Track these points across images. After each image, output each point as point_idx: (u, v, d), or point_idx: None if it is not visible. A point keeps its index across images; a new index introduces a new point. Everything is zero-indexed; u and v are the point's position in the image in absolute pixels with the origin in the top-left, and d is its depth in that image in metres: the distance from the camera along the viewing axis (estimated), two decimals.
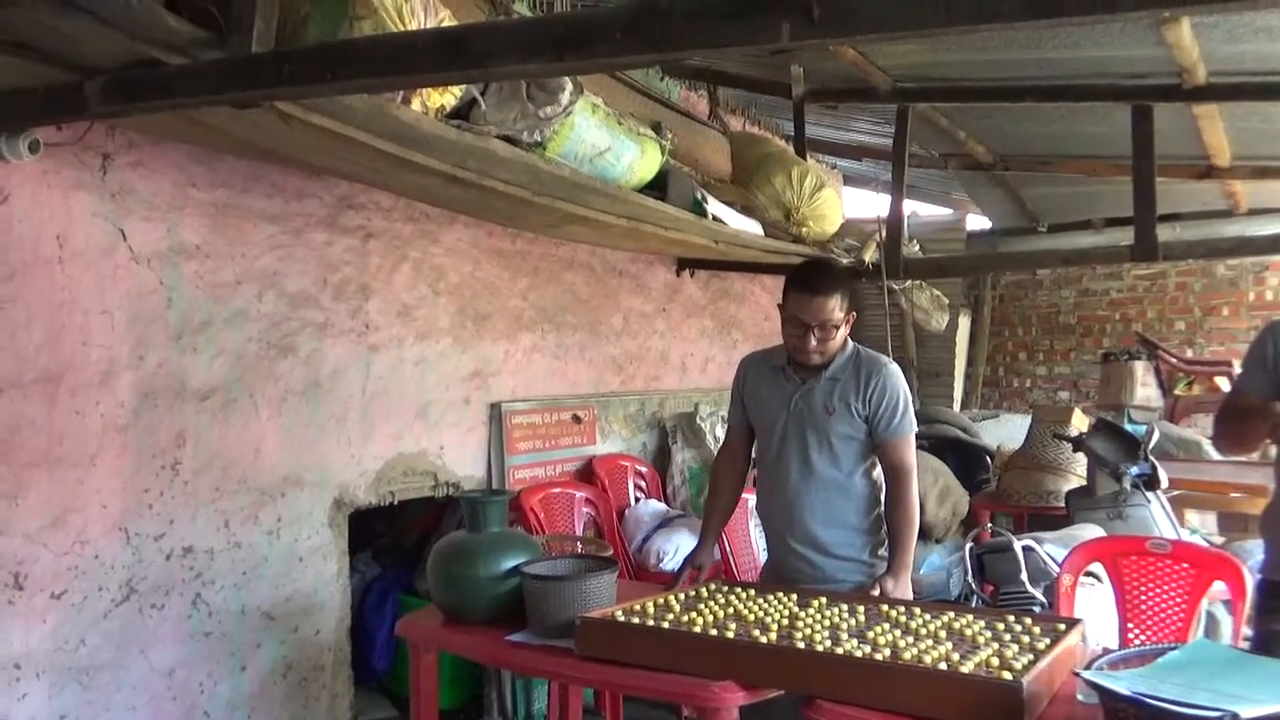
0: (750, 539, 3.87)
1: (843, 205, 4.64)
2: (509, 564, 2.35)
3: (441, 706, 2.61)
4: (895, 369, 2.52)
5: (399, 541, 4.19)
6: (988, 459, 5.41)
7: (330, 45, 1.85)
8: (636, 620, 2.10)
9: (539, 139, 2.58)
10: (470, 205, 3.34)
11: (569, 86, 2.53)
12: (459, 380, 3.71)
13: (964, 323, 7.12)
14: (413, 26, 2.03)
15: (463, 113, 2.37)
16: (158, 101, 1.90)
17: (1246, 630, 2.29)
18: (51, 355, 2.45)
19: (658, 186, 3.26)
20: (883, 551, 2.49)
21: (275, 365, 3.00)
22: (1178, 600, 2.56)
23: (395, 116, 2.11)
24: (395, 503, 3.45)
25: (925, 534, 4.51)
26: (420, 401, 3.53)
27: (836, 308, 2.40)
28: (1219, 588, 2.55)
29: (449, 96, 2.31)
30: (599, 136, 2.80)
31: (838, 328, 2.42)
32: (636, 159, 3.01)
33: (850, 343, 2.54)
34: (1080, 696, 1.70)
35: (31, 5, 1.60)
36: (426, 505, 3.77)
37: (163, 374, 2.69)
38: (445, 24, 2.14)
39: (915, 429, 2.50)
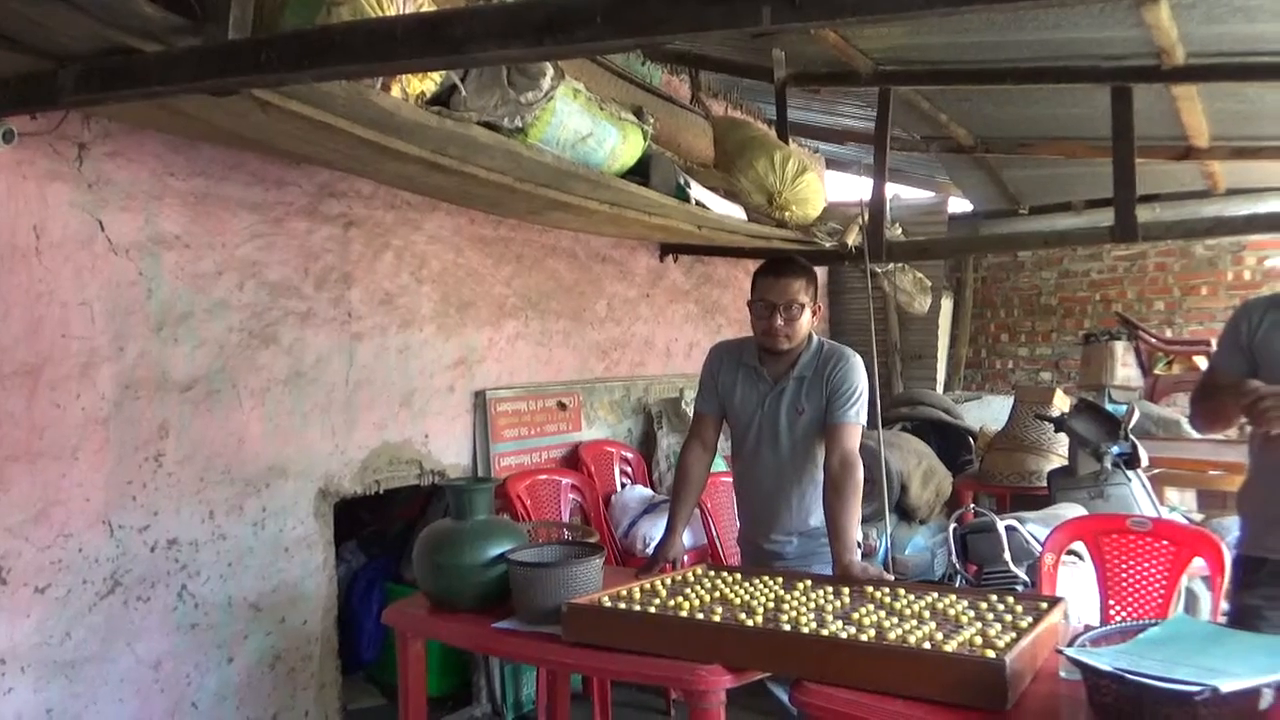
0: (736, 521, 3.88)
1: (825, 189, 4.64)
2: (495, 551, 2.36)
3: (430, 694, 2.62)
4: (857, 360, 2.60)
5: (385, 530, 4.19)
6: (970, 440, 5.46)
7: (308, 31, 1.83)
8: (623, 605, 2.11)
9: (520, 125, 2.57)
10: (452, 192, 3.32)
11: (550, 72, 2.51)
12: (443, 368, 3.71)
13: (946, 305, 7.15)
14: (391, 12, 2.01)
15: (443, 99, 2.35)
16: (133, 90, 1.88)
17: (1225, 605, 2.33)
18: (30, 347, 2.42)
19: (640, 172, 3.25)
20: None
21: (258, 355, 2.98)
22: (1158, 577, 2.59)
23: (375, 103, 2.09)
24: (381, 491, 3.44)
25: (909, 515, 4.55)
26: (404, 390, 3.52)
27: (801, 290, 2.54)
28: (1198, 564, 2.59)
29: (429, 83, 2.30)
30: (581, 122, 2.79)
31: (803, 308, 2.54)
32: (619, 144, 3.00)
33: (815, 337, 2.64)
34: (1063, 673, 1.72)
35: None
36: (412, 494, 3.77)
37: (144, 365, 2.67)
38: (424, 9, 2.12)
39: (863, 423, 2.55)
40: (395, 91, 2.20)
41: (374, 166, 2.86)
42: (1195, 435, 4.43)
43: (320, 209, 3.20)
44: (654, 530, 3.85)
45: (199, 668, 2.82)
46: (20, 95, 2.03)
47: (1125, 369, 5.80)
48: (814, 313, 2.60)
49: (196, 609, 2.81)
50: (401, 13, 2.04)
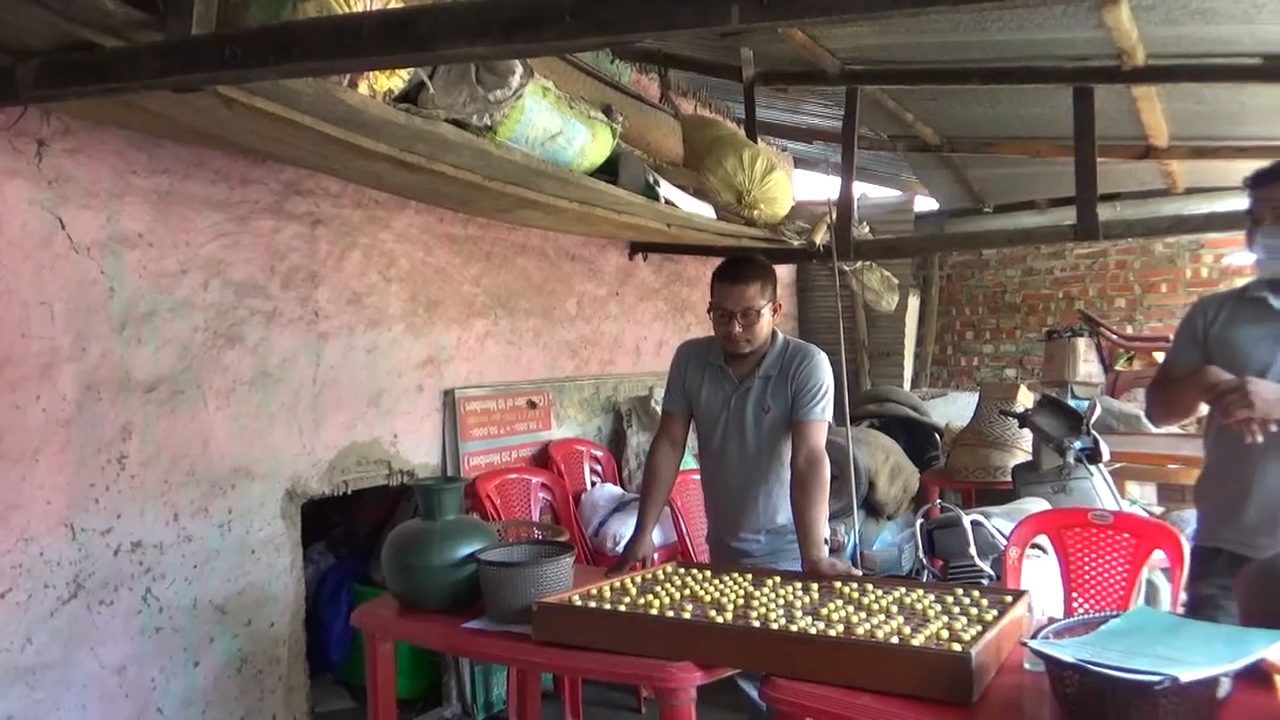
0: (705, 519, 3.90)
1: (793, 188, 4.67)
2: (465, 551, 2.35)
3: (399, 696, 2.60)
4: (822, 357, 2.60)
5: (353, 531, 4.16)
6: (937, 436, 5.51)
7: (273, 27, 1.82)
8: (594, 604, 2.11)
9: (489, 123, 2.56)
10: (420, 190, 3.30)
11: (519, 69, 2.50)
12: (412, 367, 3.68)
13: (913, 303, 7.22)
14: (358, 8, 1.99)
15: (411, 96, 2.34)
16: (94, 85, 1.85)
17: (1184, 596, 2.37)
18: None
19: (609, 170, 3.26)
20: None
21: (223, 355, 2.95)
22: (1119, 569, 2.64)
23: (341, 100, 2.08)
24: (349, 492, 3.42)
25: (877, 511, 4.59)
26: (373, 389, 3.49)
27: (757, 294, 2.53)
28: (1158, 556, 2.64)
29: (396, 80, 2.28)
30: (550, 120, 2.79)
31: (760, 313, 2.53)
32: (588, 142, 3.00)
33: (780, 336, 2.65)
34: (1027, 665, 1.75)
35: None
36: (381, 494, 3.74)
37: (106, 366, 2.63)
38: (392, 5, 2.11)
39: (829, 419, 2.56)
40: (362, 88, 2.18)
41: (341, 164, 2.83)
42: (1155, 430, 4.51)
43: (286, 207, 3.16)
44: (624, 529, 3.86)
45: (164, 672, 2.78)
46: None
47: (1087, 365, 5.89)
48: (775, 310, 2.60)
49: (161, 613, 2.77)
50: (369, 9, 2.02)
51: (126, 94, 1.99)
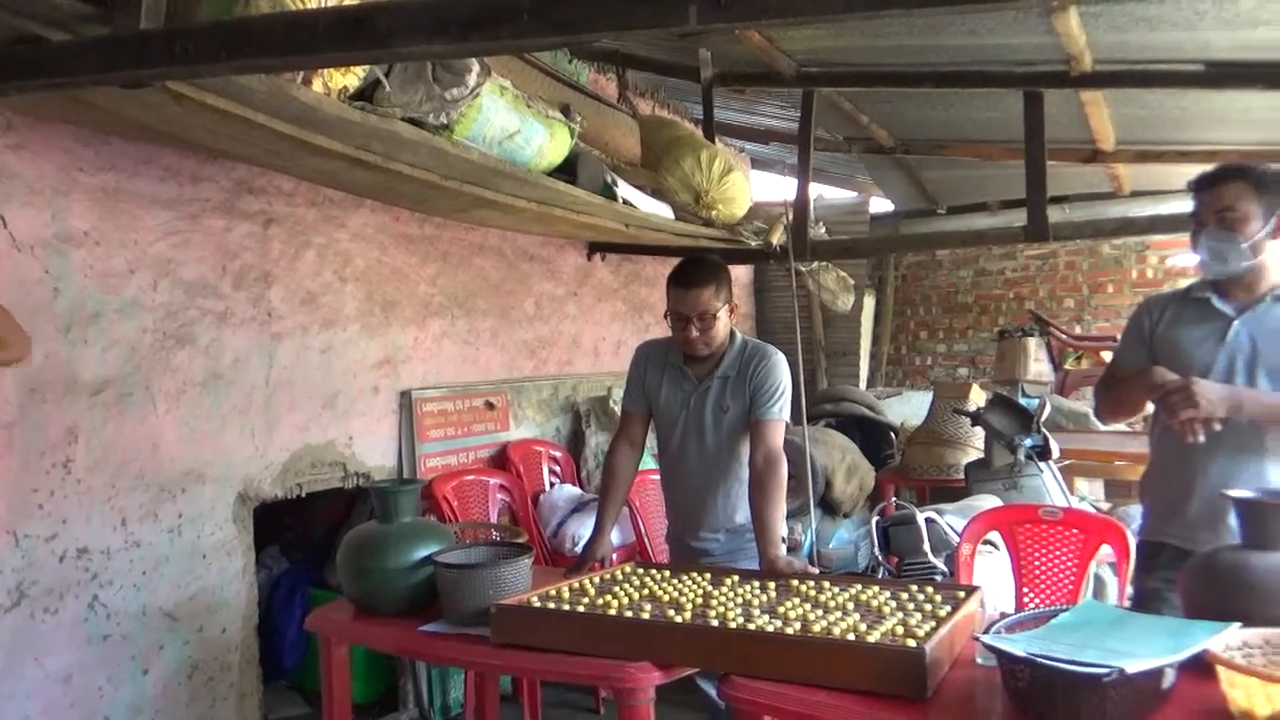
0: (664, 518, 3.91)
1: (751, 188, 4.70)
2: (422, 554, 2.33)
3: (355, 701, 2.57)
4: (779, 358, 2.62)
5: (307, 534, 4.10)
6: (892, 435, 5.58)
7: (225, 22, 1.79)
8: (552, 605, 2.10)
9: (446, 121, 2.54)
10: (376, 189, 3.27)
11: (476, 68, 2.49)
12: (367, 368, 3.64)
13: (869, 303, 7.30)
14: (312, 4, 1.97)
15: (366, 94, 2.31)
16: (38, 80, 1.81)
17: (1130, 590, 2.43)
18: None
19: (567, 170, 3.25)
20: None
21: (173, 356, 2.89)
22: (1068, 564, 2.69)
23: (295, 98, 2.05)
24: (303, 495, 3.37)
25: (833, 509, 4.63)
26: (327, 391, 3.45)
27: (711, 298, 2.53)
28: (1106, 551, 2.70)
29: (351, 77, 2.26)
30: (507, 119, 2.77)
31: (716, 316, 2.54)
32: (546, 142, 2.99)
33: (739, 336, 2.66)
34: (980, 659, 1.77)
35: None
36: (336, 497, 3.70)
37: (50, 368, 2.56)
38: (347, 1, 2.08)
39: (786, 419, 2.57)
40: (317, 86, 2.15)
41: (295, 162, 2.79)
42: (1103, 428, 4.60)
43: (238, 206, 3.11)
44: (583, 529, 3.85)
45: (112, 681, 2.72)
46: None
47: (1037, 364, 6.01)
48: (732, 311, 2.60)
49: (109, 620, 2.71)
50: (324, 5, 1.99)
51: (72, 89, 1.94)
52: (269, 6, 1.89)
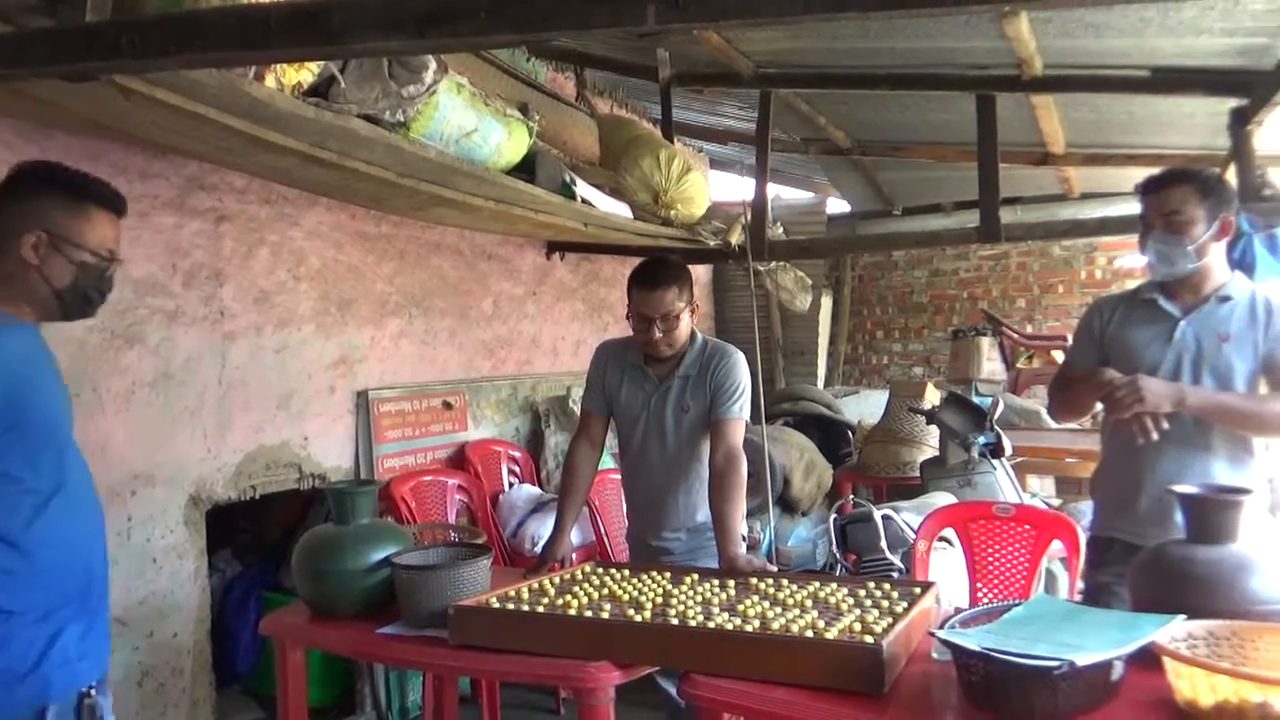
0: (624, 518, 3.91)
1: (709, 188, 4.71)
2: (379, 555, 2.30)
3: (311, 704, 2.54)
4: (739, 357, 2.63)
5: (262, 537, 4.04)
6: (849, 433, 5.63)
7: (174, 15, 1.75)
8: (511, 606, 2.09)
9: (402, 119, 2.52)
10: (331, 187, 3.22)
11: (433, 65, 2.47)
12: (323, 368, 3.59)
13: (826, 303, 7.36)
14: None
15: (321, 90, 2.29)
16: None
17: (1081, 584, 2.48)
18: None
19: (526, 169, 3.23)
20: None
21: (121, 356, 2.82)
22: (1021, 560, 2.74)
23: (247, 93, 2.01)
24: (257, 497, 3.32)
25: (792, 507, 4.66)
26: (282, 391, 3.40)
27: (674, 299, 2.53)
28: (1057, 546, 2.75)
29: (305, 73, 2.23)
30: (465, 117, 2.75)
31: (679, 318, 2.54)
32: (504, 140, 2.98)
33: (700, 336, 2.67)
34: (935, 654, 1.80)
35: None
36: (291, 498, 3.64)
37: None
38: None
39: (746, 418, 2.59)
40: (270, 81, 2.12)
41: (247, 159, 2.75)
42: (1054, 425, 4.69)
43: (189, 203, 3.05)
44: (542, 529, 3.84)
45: None
46: None
47: (990, 363, 6.10)
48: (693, 311, 2.61)
49: None
50: None
51: (14, 81, 1.89)
52: (220, 0, 1.86)
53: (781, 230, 5.25)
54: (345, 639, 2.31)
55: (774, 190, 6.37)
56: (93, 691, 1.70)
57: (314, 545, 2.37)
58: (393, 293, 3.97)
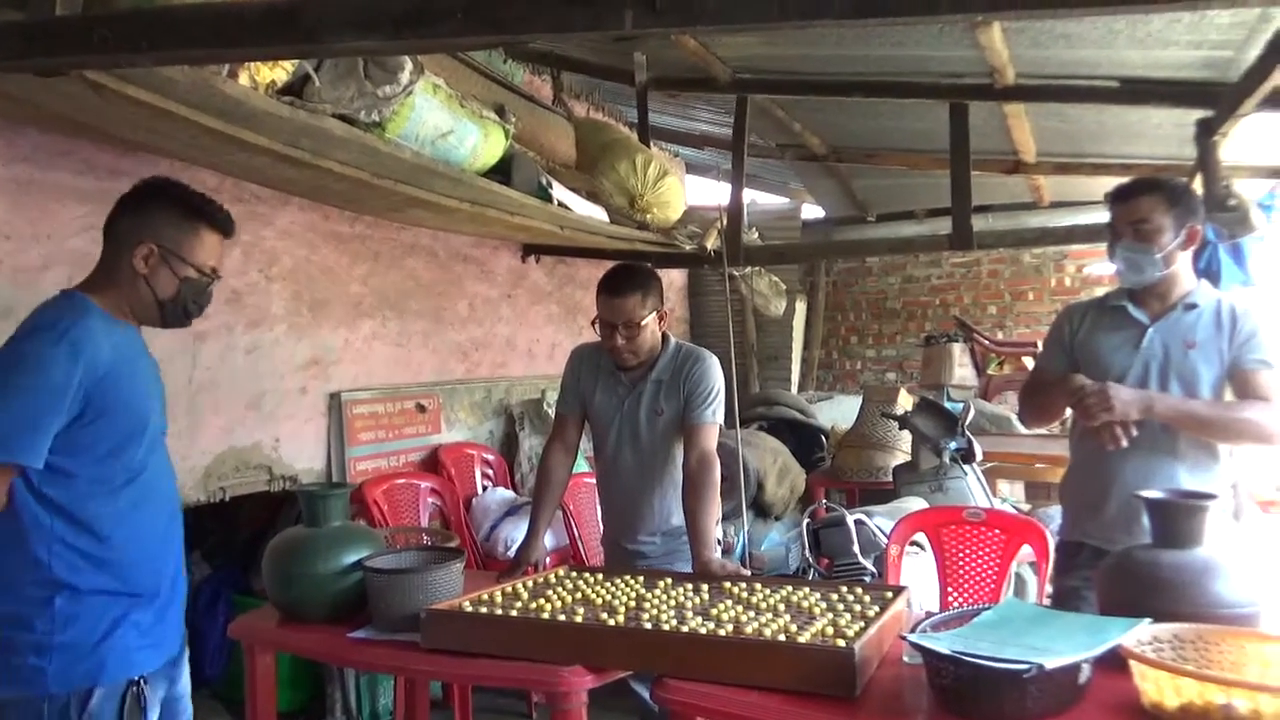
0: (598, 522, 3.90)
1: (685, 193, 4.72)
2: (350, 559, 2.28)
3: (281, 709, 2.51)
4: (713, 361, 2.63)
5: (231, 539, 3.99)
6: (823, 438, 5.66)
7: (146, 11, 1.73)
8: (484, 610, 2.08)
9: (377, 119, 2.50)
10: (305, 187, 3.20)
11: (409, 65, 2.46)
12: (295, 369, 3.56)
13: (800, 308, 7.39)
14: None
15: (296, 89, 2.27)
16: None
17: (1049, 588, 2.51)
18: None
19: (502, 171, 3.22)
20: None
21: None
22: (991, 564, 2.77)
23: (220, 90, 2.00)
24: (226, 499, 3.28)
25: (765, 511, 4.68)
26: (253, 392, 3.36)
27: (637, 306, 2.52)
28: (1026, 551, 2.78)
29: (280, 71, 2.21)
30: (441, 118, 2.74)
31: (641, 325, 2.53)
32: (480, 142, 2.97)
33: (673, 340, 2.66)
34: (906, 658, 1.81)
35: None
36: (262, 500, 3.60)
37: None
38: None
39: (720, 422, 2.58)
40: (244, 79, 2.10)
41: (220, 157, 2.72)
42: (1024, 431, 4.74)
43: None
44: (516, 533, 3.82)
45: None
46: None
47: (962, 369, 6.16)
48: (661, 318, 2.59)
49: None
50: None
51: None
52: None
53: (757, 235, 5.27)
54: (315, 643, 2.29)
55: (749, 195, 6.39)
56: (143, 682, 1.77)
57: (284, 548, 2.35)
58: (366, 294, 3.94)
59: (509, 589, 2.25)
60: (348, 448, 3.74)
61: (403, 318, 4.16)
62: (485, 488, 4.36)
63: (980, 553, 2.79)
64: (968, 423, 3.98)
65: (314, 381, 3.65)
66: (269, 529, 3.82)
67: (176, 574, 1.90)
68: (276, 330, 3.47)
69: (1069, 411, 2.30)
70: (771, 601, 2.07)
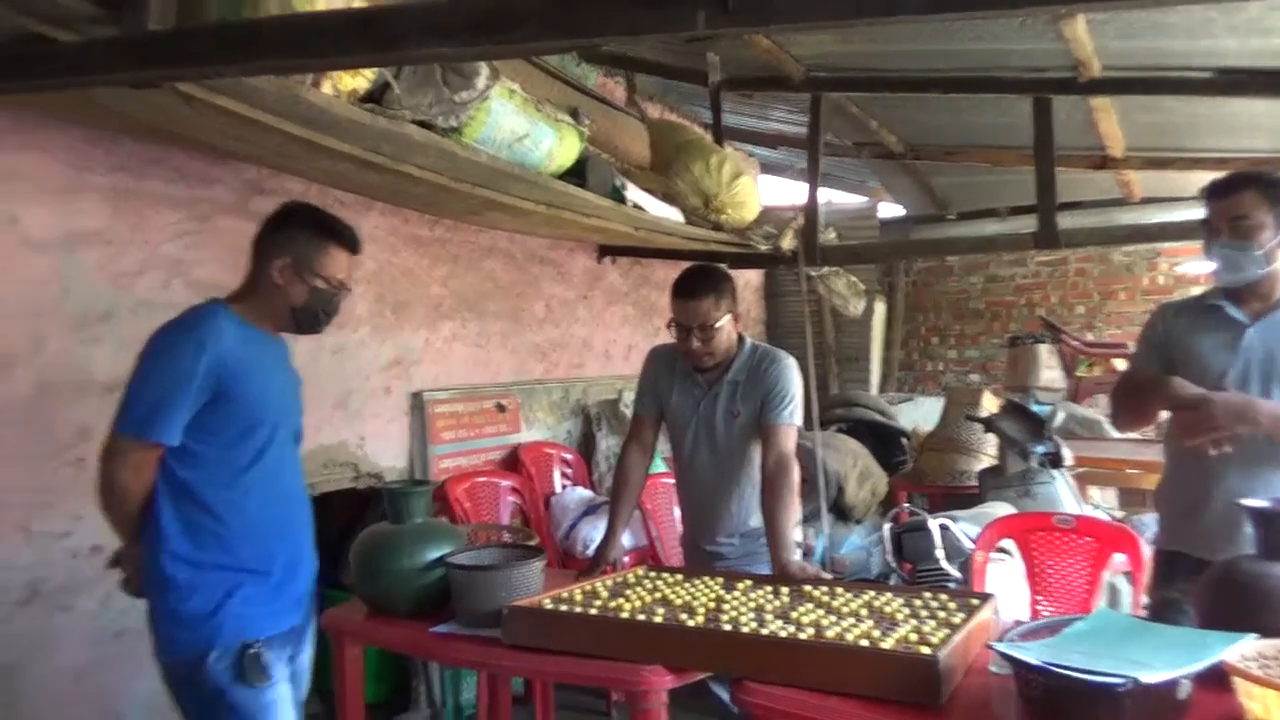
0: (676, 522, 3.90)
1: (760, 193, 4.69)
2: (434, 555, 2.32)
3: (368, 700, 2.57)
4: (790, 362, 2.60)
5: (321, 534, 4.09)
6: (904, 441, 5.56)
7: (234, 24, 1.79)
8: (564, 608, 2.10)
9: (455, 124, 2.54)
10: (386, 191, 3.27)
11: (485, 71, 2.49)
12: (379, 369, 3.64)
13: (880, 308, 7.28)
14: (322, 5, 1.97)
15: (376, 96, 2.32)
16: (46, 80, 1.82)
17: (1145, 599, 2.41)
18: None
19: (577, 173, 3.24)
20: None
21: None
22: (1082, 572, 2.68)
23: (305, 99, 2.05)
24: (315, 495, 3.36)
25: (845, 514, 4.62)
26: (339, 391, 3.45)
27: (711, 308, 2.51)
28: (1119, 559, 2.68)
29: (361, 79, 2.26)
30: (517, 122, 2.77)
31: (716, 327, 2.51)
32: (555, 145, 2.99)
33: (749, 341, 2.64)
34: (993, 668, 1.76)
35: None
36: (349, 497, 3.70)
37: (63, 366, 2.57)
38: (356, 4, 2.09)
39: (798, 423, 2.56)
40: (326, 88, 2.16)
41: (305, 164, 2.80)
42: (1116, 435, 4.58)
43: (249, 207, 3.11)
44: (594, 532, 3.84)
45: (125, 677, 2.71)
46: None
47: (1049, 371, 5.98)
48: (735, 319, 2.58)
49: (122, 616, 2.70)
50: (333, 7, 2.00)
51: (80, 89, 1.95)
52: (278, 8, 1.90)
53: (834, 235, 5.20)
54: (400, 636, 2.34)
55: (826, 194, 6.32)
56: (258, 644, 1.93)
57: (370, 543, 2.40)
58: (446, 296, 4.01)
59: (588, 587, 2.26)
60: (430, 446, 3.81)
61: (481, 319, 4.22)
62: (564, 487, 4.39)
63: (1070, 560, 2.71)
64: (1056, 426, 3.86)
65: (397, 381, 3.73)
66: (356, 524, 3.92)
67: (293, 559, 2.07)
68: (361, 331, 3.55)
69: (1163, 414, 2.20)
70: (853, 606, 2.04)
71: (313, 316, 2.11)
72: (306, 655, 2.16)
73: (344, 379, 3.47)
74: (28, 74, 1.80)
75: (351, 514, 4.03)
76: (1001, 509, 3.43)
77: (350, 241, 2.11)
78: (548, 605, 2.11)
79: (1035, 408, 4.43)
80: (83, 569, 2.61)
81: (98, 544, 2.64)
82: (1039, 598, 2.71)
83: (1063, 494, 3.74)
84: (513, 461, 4.26)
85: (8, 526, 2.45)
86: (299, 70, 1.97)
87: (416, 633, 2.25)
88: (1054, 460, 3.78)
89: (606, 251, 5.07)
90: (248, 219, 3.09)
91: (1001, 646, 1.58)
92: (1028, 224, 4.30)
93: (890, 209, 7.27)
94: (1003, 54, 3.61)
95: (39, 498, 2.52)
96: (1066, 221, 4.18)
